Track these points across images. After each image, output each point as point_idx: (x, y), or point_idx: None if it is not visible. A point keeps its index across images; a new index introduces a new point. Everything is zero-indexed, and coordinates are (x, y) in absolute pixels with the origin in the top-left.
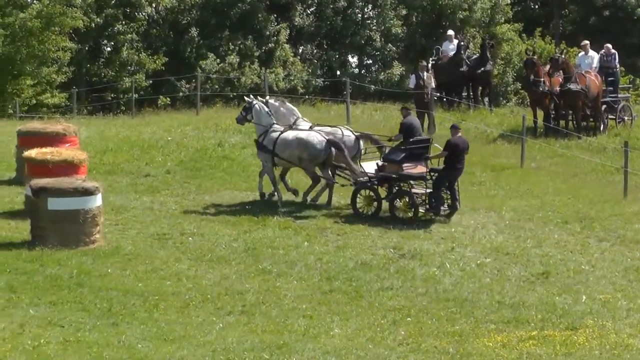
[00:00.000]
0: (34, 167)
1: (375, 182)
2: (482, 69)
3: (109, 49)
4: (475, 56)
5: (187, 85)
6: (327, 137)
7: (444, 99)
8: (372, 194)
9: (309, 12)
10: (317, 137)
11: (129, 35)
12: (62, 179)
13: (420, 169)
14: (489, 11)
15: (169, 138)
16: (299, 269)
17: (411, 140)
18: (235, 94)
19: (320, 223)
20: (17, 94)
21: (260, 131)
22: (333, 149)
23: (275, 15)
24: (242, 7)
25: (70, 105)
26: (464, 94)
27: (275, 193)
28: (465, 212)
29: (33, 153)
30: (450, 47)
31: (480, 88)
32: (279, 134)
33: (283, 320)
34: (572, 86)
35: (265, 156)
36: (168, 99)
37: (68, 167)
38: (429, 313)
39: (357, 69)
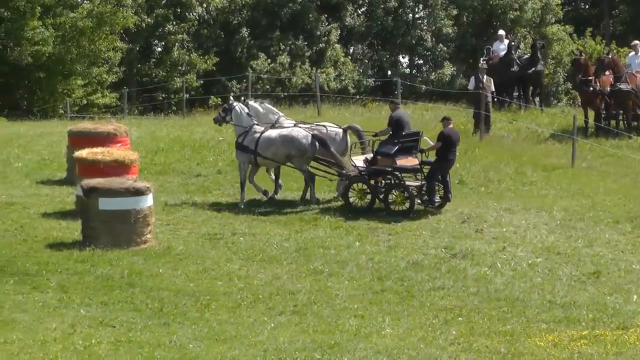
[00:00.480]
0: (85, 167)
1: (366, 176)
2: (533, 69)
3: (159, 49)
4: (526, 56)
5: (238, 86)
6: (311, 132)
7: (495, 99)
8: (364, 187)
9: (359, 12)
10: (301, 132)
11: (180, 36)
12: (113, 179)
13: (412, 161)
14: (539, 11)
15: (220, 138)
16: (350, 269)
17: (403, 133)
18: (286, 94)
19: (371, 223)
20: (67, 94)
21: (239, 132)
22: (317, 144)
23: (326, 15)
24: (293, 7)
25: (121, 106)
26: (515, 94)
27: (241, 193)
28: (516, 211)
29: (84, 153)
30: (501, 47)
31: (531, 88)
32: (261, 134)
33: (334, 320)
34: (623, 86)
35: (245, 156)
36: (219, 99)
37: (119, 167)
38: (481, 312)
39: (408, 69)
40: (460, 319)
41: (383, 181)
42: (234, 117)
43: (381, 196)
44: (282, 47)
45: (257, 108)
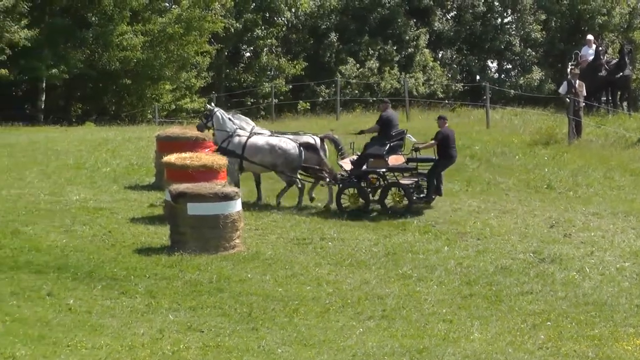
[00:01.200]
0: (174, 172)
1: (355, 179)
2: (621, 73)
3: (248, 54)
4: (614, 61)
5: (327, 90)
6: (298, 142)
7: (583, 104)
8: (356, 191)
9: (448, 16)
10: (289, 143)
11: (269, 40)
12: (202, 184)
13: (399, 159)
14: (627, 16)
15: None
16: (439, 274)
17: (392, 133)
18: (374, 98)
19: (460, 227)
20: (156, 99)
21: (222, 137)
22: (304, 153)
23: (414, 20)
24: (382, 12)
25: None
26: (603, 98)
27: None
28: (604, 216)
29: (172, 158)
30: (589, 52)
31: (619, 93)
32: (247, 138)
33: (423, 324)
34: None
35: (233, 161)
36: (308, 104)
37: (207, 172)
38: (569, 317)
39: (496, 74)
40: (548, 323)
41: (381, 181)
42: (215, 123)
43: (376, 197)
44: (371, 51)
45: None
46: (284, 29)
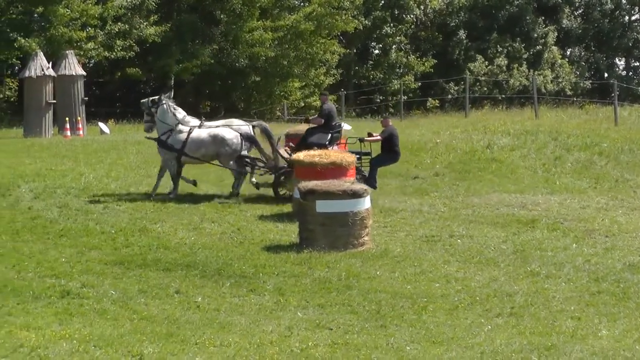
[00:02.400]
0: (302, 170)
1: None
2: None
3: (377, 51)
4: None
5: (456, 88)
6: (239, 131)
7: None
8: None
9: (576, 14)
10: (231, 133)
11: (397, 38)
12: (331, 182)
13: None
14: None
15: (438, 140)
16: (567, 271)
17: (333, 124)
18: (503, 96)
19: (588, 225)
20: (285, 96)
21: (164, 129)
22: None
23: (542, 18)
24: (510, 9)
25: (338, 108)
26: None
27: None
28: None
29: (301, 155)
30: None
31: None
32: (188, 134)
33: (551, 321)
34: None
35: (170, 155)
36: (437, 101)
37: (336, 170)
38: None
39: (624, 72)
40: None
41: None
42: (159, 113)
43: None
44: (500, 49)
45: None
46: (412, 26)
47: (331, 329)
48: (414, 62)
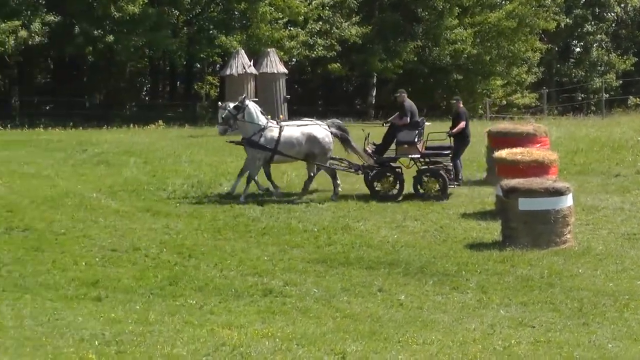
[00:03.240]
0: (505, 168)
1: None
2: None
3: (578, 49)
4: None
5: None
6: (330, 130)
7: None
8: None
9: None
10: (323, 131)
11: (599, 36)
12: (533, 180)
13: (422, 147)
14: None
15: (639, 138)
16: None
17: (417, 120)
18: None
19: None
20: (487, 94)
21: (254, 130)
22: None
23: None
24: None
25: (540, 106)
26: None
27: (246, 187)
28: None
29: (504, 153)
30: None
31: None
32: (280, 132)
33: None
34: None
35: (262, 154)
36: (638, 99)
37: (538, 168)
38: None
39: None
40: None
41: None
42: (247, 115)
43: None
44: None
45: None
46: (613, 24)
47: (534, 327)
48: (615, 60)
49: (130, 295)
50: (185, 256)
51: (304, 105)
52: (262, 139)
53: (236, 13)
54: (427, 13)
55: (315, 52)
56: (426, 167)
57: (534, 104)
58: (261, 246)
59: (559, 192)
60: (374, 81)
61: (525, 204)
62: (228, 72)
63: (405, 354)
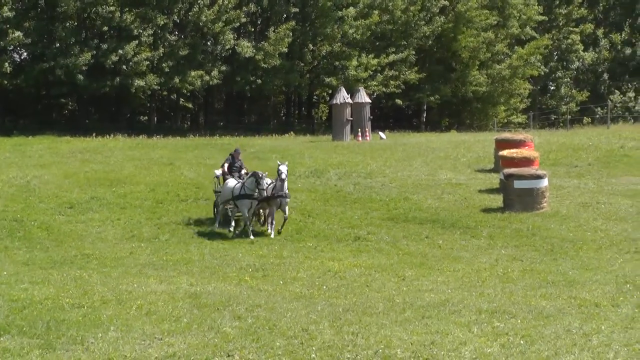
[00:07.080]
0: (505, 161)
1: None
2: None
3: (552, 87)
4: None
5: None
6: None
7: None
8: None
9: None
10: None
11: (565, 79)
12: (523, 169)
13: None
14: None
15: (590, 143)
16: None
17: None
18: None
19: None
20: (494, 116)
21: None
22: None
23: None
24: None
25: (528, 123)
26: None
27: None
28: None
29: (505, 152)
30: None
31: None
32: None
33: None
34: None
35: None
36: (590, 118)
37: (527, 161)
38: None
39: None
40: None
41: None
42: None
43: None
44: None
45: None
46: (575, 71)
47: (522, 261)
48: (576, 94)
49: (272, 240)
50: (306, 215)
51: (381, 121)
52: None
53: (337, 63)
54: (458, 66)
55: (388, 89)
56: None
57: (524, 122)
58: (353, 210)
59: (539, 177)
60: (424, 107)
61: (518, 184)
62: (334, 102)
63: (442, 277)
